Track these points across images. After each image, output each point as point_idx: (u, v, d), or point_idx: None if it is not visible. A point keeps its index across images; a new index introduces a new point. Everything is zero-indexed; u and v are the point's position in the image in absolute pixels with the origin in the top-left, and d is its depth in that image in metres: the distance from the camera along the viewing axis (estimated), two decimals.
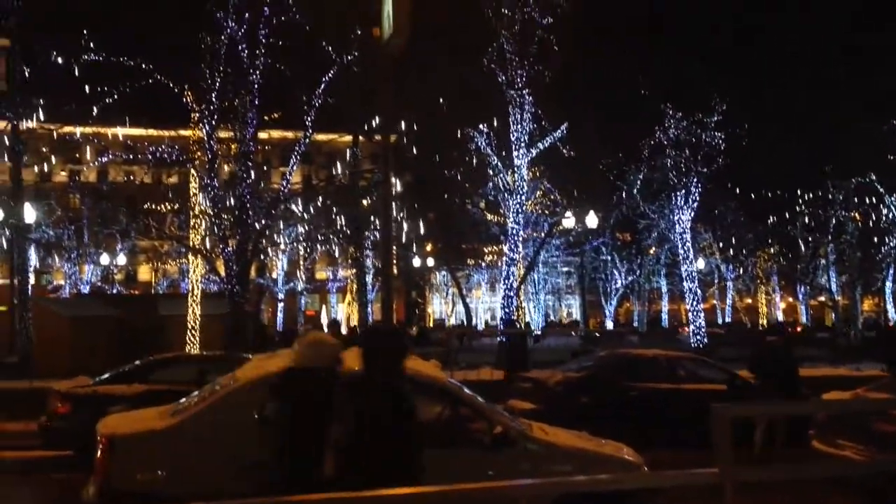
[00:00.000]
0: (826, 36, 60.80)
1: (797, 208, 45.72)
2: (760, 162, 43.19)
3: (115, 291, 46.40)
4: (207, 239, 24.53)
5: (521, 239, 29.81)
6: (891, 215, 41.89)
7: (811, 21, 64.77)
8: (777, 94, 60.56)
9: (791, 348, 13.00)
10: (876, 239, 44.02)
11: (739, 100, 35.83)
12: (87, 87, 22.84)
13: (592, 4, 29.16)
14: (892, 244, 42.80)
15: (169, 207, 32.55)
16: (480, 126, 28.74)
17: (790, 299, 66.57)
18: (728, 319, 62.34)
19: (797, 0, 68.17)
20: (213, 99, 21.83)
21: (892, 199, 41.47)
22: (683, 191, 31.40)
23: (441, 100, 27.88)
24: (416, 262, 46.87)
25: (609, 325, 57.24)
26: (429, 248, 47.43)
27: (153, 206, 32.19)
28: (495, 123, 28.34)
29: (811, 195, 44.64)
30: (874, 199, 42.26)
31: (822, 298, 54.24)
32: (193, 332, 23.35)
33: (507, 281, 28.25)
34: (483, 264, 57.57)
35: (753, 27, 70.01)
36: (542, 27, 26.43)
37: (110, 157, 27.85)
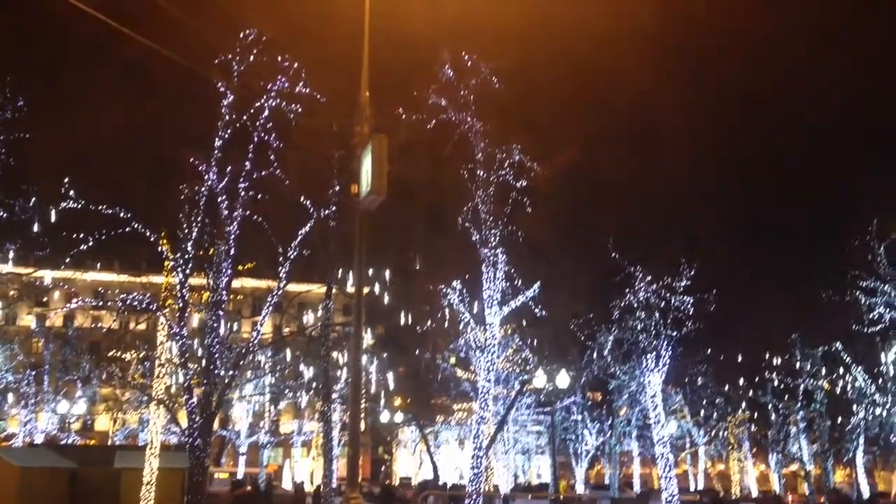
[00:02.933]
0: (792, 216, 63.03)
1: (766, 374, 45.88)
2: (731, 327, 43.66)
3: (70, 441, 44.71)
4: (171, 388, 23.97)
5: (491, 397, 29.42)
6: (858, 385, 42.04)
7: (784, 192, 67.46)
8: (746, 261, 62.16)
9: None
10: (845, 408, 44.00)
11: (710, 265, 36.71)
12: (61, 233, 22.89)
13: (565, 171, 30.12)
14: (860, 415, 42.70)
15: (134, 355, 31.96)
16: (454, 283, 28.99)
17: (763, 467, 65.56)
18: (701, 486, 61.00)
19: (765, 170, 71.25)
20: (189, 248, 21.94)
21: (859, 369, 41.73)
22: (654, 353, 31.49)
23: (415, 256, 28.23)
24: (385, 416, 45.92)
25: (580, 487, 55.72)
26: (398, 402, 46.65)
27: (118, 354, 31.60)
28: (467, 275, 28.63)
29: (780, 360, 44.93)
30: (841, 370, 42.57)
31: (795, 467, 53.50)
32: (150, 486, 22.35)
33: (476, 440, 27.64)
34: (452, 421, 56.54)
35: (726, 196, 72.71)
36: (516, 190, 27.20)
37: (79, 302, 27.55)
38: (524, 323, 34.20)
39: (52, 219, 22.84)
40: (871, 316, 34.91)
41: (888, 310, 34.38)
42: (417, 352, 38.13)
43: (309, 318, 34.36)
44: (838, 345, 41.27)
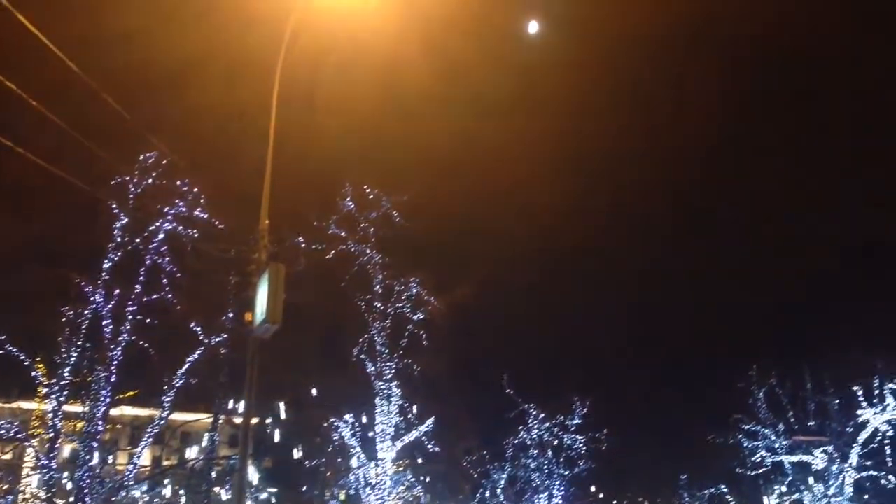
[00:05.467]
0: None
1: None
2: (622, 466, 43.86)
3: None
4: None
5: None
6: None
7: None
8: (638, 404, 63.16)
9: None
10: None
11: (602, 406, 37.41)
12: None
13: (462, 305, 30.44)
14: None
15: None
16: (347, 416, 28.32)
17: None
18: None
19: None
20: (66, 373, 20.73)
21: None
22: (546, 492, 31.23)
23: (308, 387, 27.58)
24: None
25: None
26: None
27: None
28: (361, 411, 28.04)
29: (668, 502, 45.24)
30: None
31: None
32: None
33: None
34: None
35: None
36: (412, 322, 27.25)
37: None
38: (417, 459, 33.48)
39: None
40: (753, 459, 35.85)
41: (769, 453, 35.41)
42: (306, 488, 36.55)
43: (192, 450, 32.61)
44: (723, 487, 41.91)
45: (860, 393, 33.00)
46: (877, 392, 32.70)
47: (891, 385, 32.43)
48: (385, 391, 26.92)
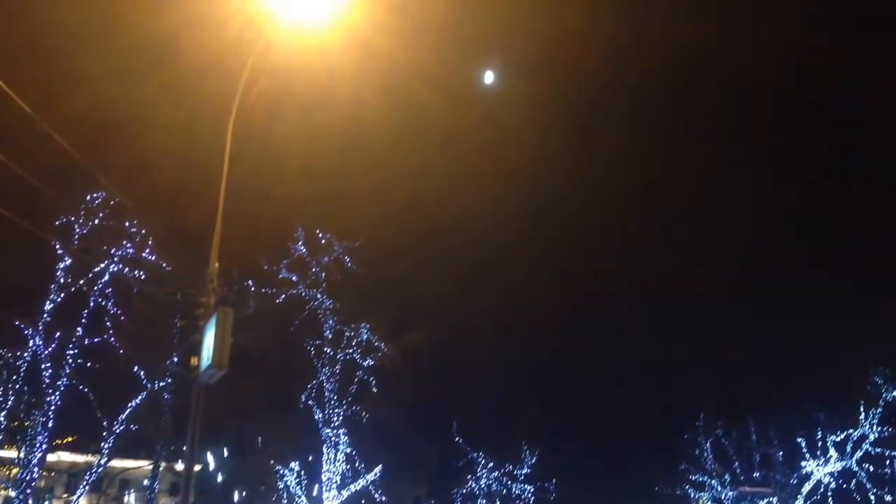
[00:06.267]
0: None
1: None
2: None
3: None
4: None
5: None
6: None
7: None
8: (586, 453, 63.01)
9: None
10: None
11: (552, 454, 37.31)
12: None
13: (413, 351, 30.29)
14: None
15: None
16: (292, 463, 27.81)
17: None
18: None
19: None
20: (2, 418, 20.02)
21: None
22: None
23: (254, 433, 27.04)
24: None
25: None
26: None
27: None
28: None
29: None
30: None
31: None
32: None
33: None
34: None
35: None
36: (362, 369, 26.99)
37: None
38: None
39: None
40: None
41: None
42: None
43: (131, 497, 31.66)
44: None
45: (804, 445, 33.51)
46: (820, 444, 33.24)
47: (833, 437, 33.00)
48: (333, 438, 26.51)
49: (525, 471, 31.77)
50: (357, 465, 27.44)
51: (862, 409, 32.57)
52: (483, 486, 31.43)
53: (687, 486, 35.93)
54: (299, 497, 27.89)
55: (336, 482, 26.40)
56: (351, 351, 27.10)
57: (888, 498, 32.38)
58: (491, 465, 31.56)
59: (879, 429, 32.31)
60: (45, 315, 20.20)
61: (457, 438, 32.09)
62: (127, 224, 20.41)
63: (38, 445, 20.24)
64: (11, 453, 20.94)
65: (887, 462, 32.68)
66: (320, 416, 26.59)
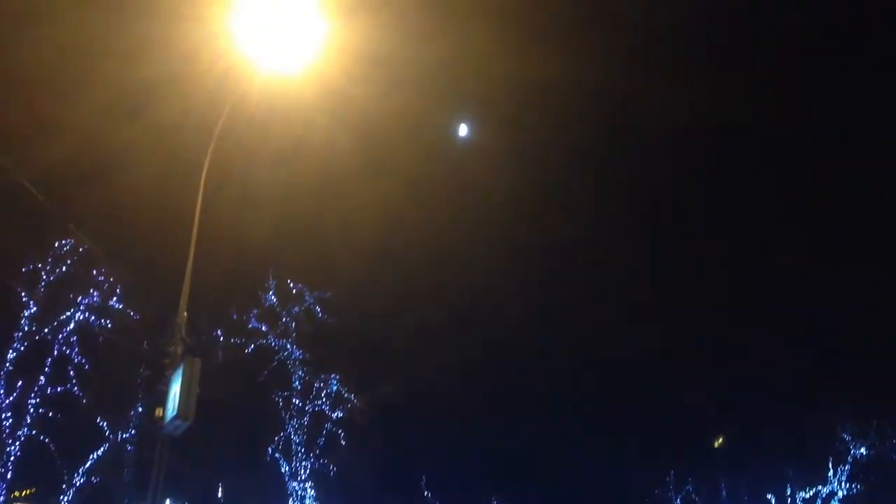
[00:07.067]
0: None
1: None
2: None
3: None
4: None
5: None
6: None
7: None
8: None
9: None
10: None
11: None
12: None
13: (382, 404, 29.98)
14: None
15: None
16: None
17: None
18: None
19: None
20: None
21: None
22: None
23: (219, 487, 26.53)
24: None
25: None
26: None
27: None
28: None
29: None
30: None
31: None
32: None
33: None
34: None
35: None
36: (331, 421, 26.70)
37: None
38: None
39: None
40: None
41: None
42: None
43: None
44: None
45: (773, 501, 33.50)
46: (789, 501, 33.26)
47: (802, 494, 33.04)
48: (299, 492, 26.06)
49: None
50: None
51: (830, 465, 32.74)
52: None
53: None
54: None
55: None
56: (320, 402, 26.82)
57: None
58: None
59: (848, 485, 32.43)
60: (7, 364, 19.84)
61: (425, 493, 31.72)
62: (95, 272, 20.25)
63: None
64: None
65: None
66: (287, 469, 26.17)
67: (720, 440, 38.82)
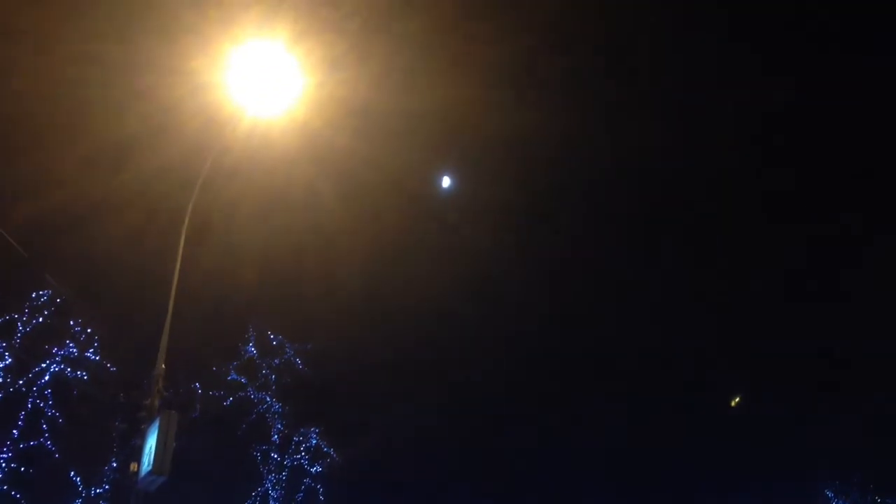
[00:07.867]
0: None
1: None
2: None
3: None
4: None
5: None
6: None
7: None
8: None
9: None
10: None
11: None
12: None
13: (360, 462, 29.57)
14: None
15: None
16: None
17: None
18: None
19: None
20: None
21: None
22: None
23: None
24: None
25: None
26: None
27: None
28: None
29: None
30: None
31: None
32: None
33: None
34: None
35: None
36: (310, 476, 26.29)
37: None
38: None
39: None
40: None
41: None
42: None
43: None
44: None
45: None
46: None
47: None
48: None
49: None
50: None
51: None
52: None
53: None
54: None
55: None
56: (299, 457, 26.41)
57: None
58: None
59: None
60: None
61: None
62: (72, 322, 20.01)
63: None
64: None
65: None
66: None
67: None
